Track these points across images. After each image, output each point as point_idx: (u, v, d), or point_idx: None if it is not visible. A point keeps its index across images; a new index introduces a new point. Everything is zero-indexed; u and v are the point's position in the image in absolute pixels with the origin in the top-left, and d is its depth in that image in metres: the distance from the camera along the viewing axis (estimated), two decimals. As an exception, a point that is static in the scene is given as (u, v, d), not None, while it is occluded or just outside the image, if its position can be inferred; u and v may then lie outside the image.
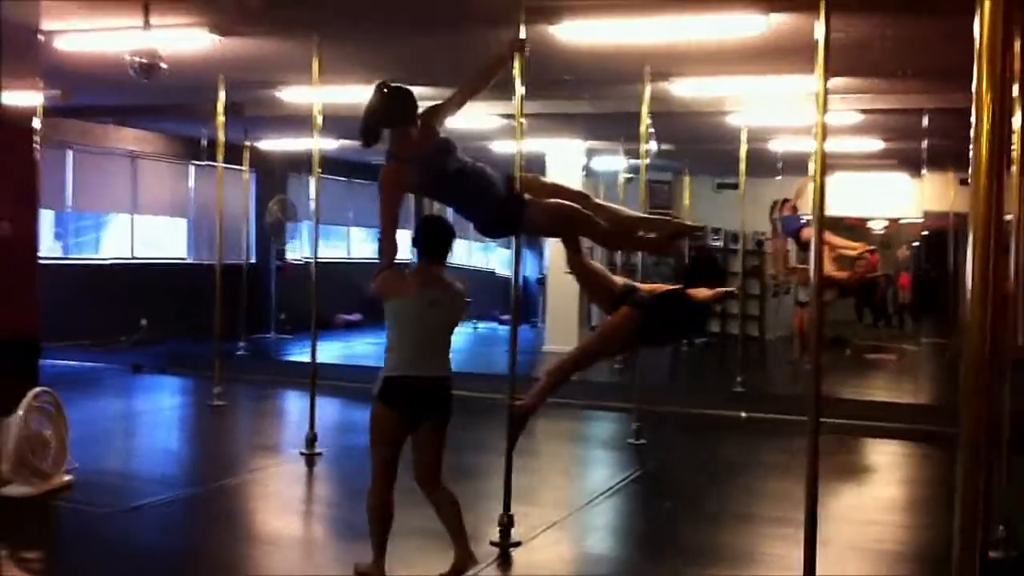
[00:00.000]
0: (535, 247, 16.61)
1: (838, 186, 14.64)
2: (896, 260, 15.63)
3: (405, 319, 4.51)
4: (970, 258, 2.22)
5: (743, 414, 9.40)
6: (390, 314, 4.56)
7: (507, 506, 5.37)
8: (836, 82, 8.74)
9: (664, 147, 12.99)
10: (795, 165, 12.18)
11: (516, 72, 5.38)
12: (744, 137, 10.89)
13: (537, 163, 12.85)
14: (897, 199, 13.38)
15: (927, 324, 15.01)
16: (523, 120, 5.58)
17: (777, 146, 12.12)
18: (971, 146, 2.30)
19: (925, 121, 9.58)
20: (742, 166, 11.11)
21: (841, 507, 6.43)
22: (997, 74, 2.24)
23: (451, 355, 4.67)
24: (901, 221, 15.46)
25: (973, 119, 2.31)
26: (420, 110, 4.87)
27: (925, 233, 15.27)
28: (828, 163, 11.69)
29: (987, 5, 2.26)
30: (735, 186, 11.76)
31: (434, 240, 4.66)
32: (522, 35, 5.41)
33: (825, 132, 3.96)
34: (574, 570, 5.38)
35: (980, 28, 2.29)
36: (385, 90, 4.79)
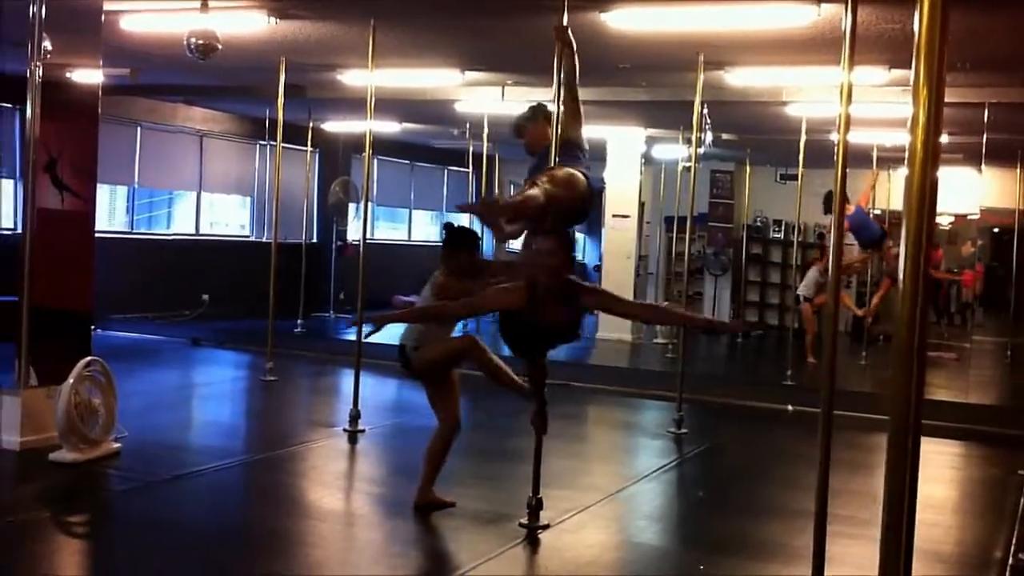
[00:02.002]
0: (594, 234, 16.62)
1: (902, 181, 14.42)
2: (960, 256, 15.32)
3: None
4: None
5: (790, 407, 9.35)
6: None
7: (536, 489, 5.43)
8: (896, 74, 8.62)
9: (725, 136, 12.94)
10: (857, 158, 12.03)
11: (556, 59, 5.39)
12: (804, 128, 10.80)
13: (598, 149, 12.87)
14: (960, 194, 13.12)
15: (991, 322, 14.71)
16: (562, 107, 5.59)
17: (835, 137, 11.93)
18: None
19: (986, 115, 9.39)
20: (801, 157, 11.04)
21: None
22: None
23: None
24: (969, 217, 15.15)
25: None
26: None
27: (996, 229, 14.96)
28: (893, 158, 11.55)
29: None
30: (797, 177, 11.68)
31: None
32: (564, 22, 5.41)
33: (849, 124, 3.95)
34: (600, 554, 5.41)
35: None
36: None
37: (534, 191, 3.99)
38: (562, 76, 5.03)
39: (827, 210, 11.23)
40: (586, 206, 4.58)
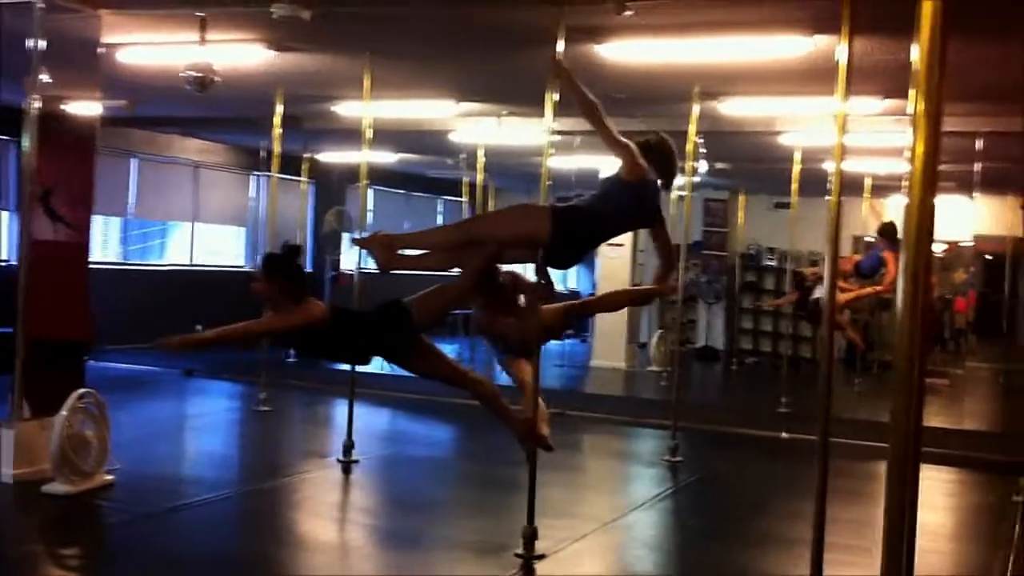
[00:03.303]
0: (587, 263, 16.66)
1: (896, 208, 14.57)
2: (953, 283, 15.40)
3: None
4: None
5: (784, 434, 9.35)
6: None
7: (531, 518, 5.41)
8: (890, 104, 8.69)
9: (719, 166, 13.01)
10: (851, 186, 12.09)
11: (551, 90, 5.44)
12: (797, 157, 10.87)
13: (591, 179, 12.91)
14: (953, 222, 13.21)
15: (984, 349, 14.76)
16: (558, 137, 5.63)
17: (830, 166, 12.02)
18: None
19: (979, 144, 9.47)
20: (794, 186, 11.11)
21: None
22: None
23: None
24: (961, 244, 15.24)
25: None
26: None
27: (988, 257, 15.05)
28: (886, 186, 11.62)
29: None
30: (790, 205, 11.76)
31: None
32: (559, 54, 5.46)
33: (844, 153, 3.99)
34: (597, 585, 5.41)
35: None
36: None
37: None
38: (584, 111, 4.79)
39: (891, 242, 10.93)
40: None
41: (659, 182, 4.92)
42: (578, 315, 5.21)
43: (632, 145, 4.78)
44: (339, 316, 5.01)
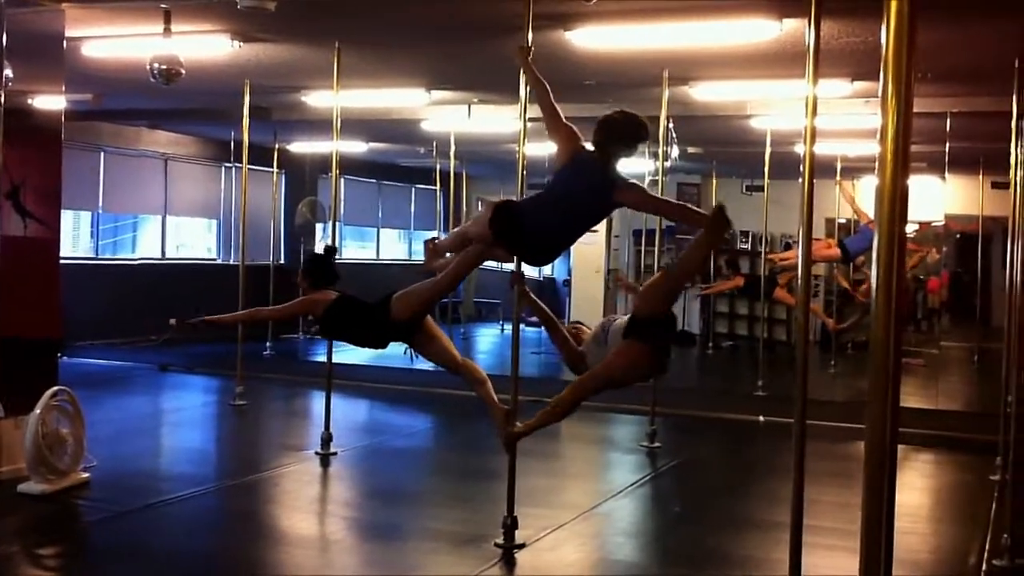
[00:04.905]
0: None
1: (868, 190, 14.63)
2: (926, 264, 15.48)
3: None
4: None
5: (761, 418, 9.39)
6: None
7: (511, 508, 5.42)
8: (859, 86, 8.71)
9: (691, 150, 13.02)
10: (821, 168, 12.13)
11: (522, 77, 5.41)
12: (768, 140, 10.90)
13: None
14: (924, 202, 13.29)
15: (958, 328, 14.88)
16: (529, 123, 5.60)
17: (801, 149, 12.07)
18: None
19: (948, 124, 9.51)
20: (766, 169, 11.15)
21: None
22: None
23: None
24: (933, 224, 15.34)
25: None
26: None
27: (959, 236, 15.14)
28: (857, 167, 11.68)
29: None
30: (763, 188, 11.79)
31: None
32: (528, 41, 5.42)
33: (815, 136, 3.99)
34: (578, 573, 5.40)
35: None
36: None
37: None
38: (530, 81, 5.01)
39: None
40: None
41: (611, 154, 4.71)
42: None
43: (572, 128, 4.79)
44: (340, 305, 5.41)
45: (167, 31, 7.02)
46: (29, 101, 6.84)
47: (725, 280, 14.33)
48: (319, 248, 6.13)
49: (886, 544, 2.27)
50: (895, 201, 2.26)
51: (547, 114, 4.83)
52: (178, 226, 15.60)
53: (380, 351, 5.82)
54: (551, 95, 4.86)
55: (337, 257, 6.01)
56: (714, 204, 4.79)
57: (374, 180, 18.37)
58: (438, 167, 13.97)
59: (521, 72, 5.25)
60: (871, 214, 11.92)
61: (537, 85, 4.90)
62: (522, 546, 5.41)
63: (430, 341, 5.37)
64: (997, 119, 8.85)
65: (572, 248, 14.15)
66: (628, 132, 4.76)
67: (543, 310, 5.17)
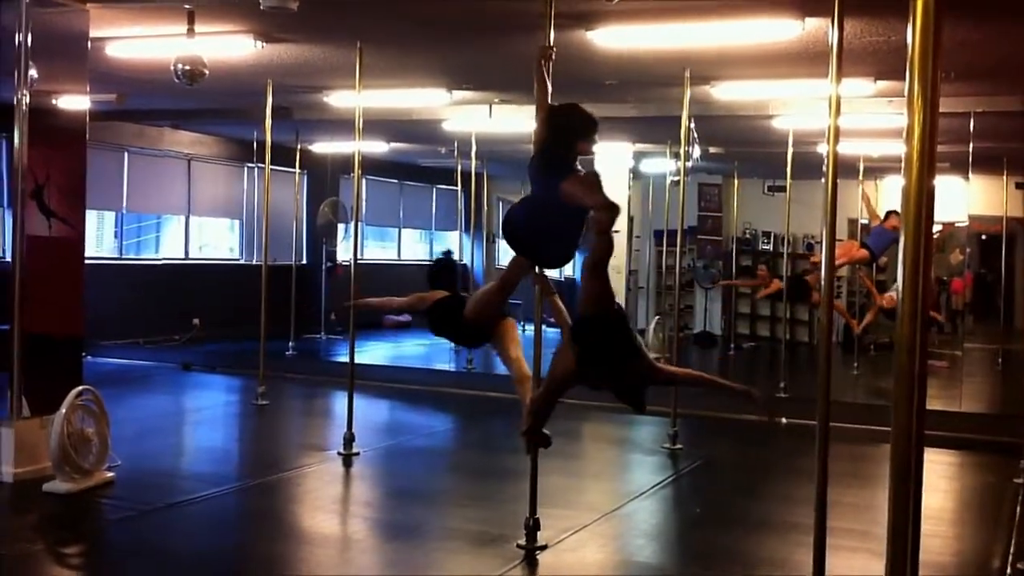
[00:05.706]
0: (583, 249, 16.63)
1: (891, 190, 14.55)
2: (949, 265, 15.37)
3: None
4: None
5: (783, 420, 9.35)
6: None
7: (533, 509, 5.41)
8: (882, 85, 8.66)
9: (713, 150, 12.98)
10: (844, 168, 12.07)
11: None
12: (791, 140, 10.86)
13: (585, 165, 12.88)
14: (948, 202, 13.20)
15: (981, 329, 14.76)
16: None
17: (823, 149, 12.01)
18: None
19: (972, 124, 9.44)
20: (788, 169, 11.11)
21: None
22: None
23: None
24: (957, 224, 15.23)
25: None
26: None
27: (984, 237, 15.02)
28: (880, 167, 11.60)
29: None
30: (785, 188, 11.75)
31: None
32: (550, 41, 5.41)
33: (838, 136, 3.97)
34: (600, 574, 5.39)
35: None
36: None
37: None
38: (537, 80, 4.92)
39: None
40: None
41: (548, 148, 4.58)
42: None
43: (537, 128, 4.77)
44: (442, 304, 5.60)
45: (190, 31, 7.07)
46: (53, 101, 6.88)
47: (750, 279, 14.24)
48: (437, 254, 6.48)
49: (912, 547, 2.25)
50: (921, 201, 2.24)
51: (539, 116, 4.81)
52: (201, 226, 15.68)
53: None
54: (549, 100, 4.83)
55: (359, 258, 6.16)
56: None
57: (395, 180, 18.40)
58: (459, 167, 13.97)
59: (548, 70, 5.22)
60: (882, 214, 11.88)
61: (541, 86, 4.83)
62: (544, 547, 5.40)
63: (497, 343, 5.55)
64: (1021, 119, 8.79)
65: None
66: (571, 124, 4.61)
67: (561, 313, 5.14)
